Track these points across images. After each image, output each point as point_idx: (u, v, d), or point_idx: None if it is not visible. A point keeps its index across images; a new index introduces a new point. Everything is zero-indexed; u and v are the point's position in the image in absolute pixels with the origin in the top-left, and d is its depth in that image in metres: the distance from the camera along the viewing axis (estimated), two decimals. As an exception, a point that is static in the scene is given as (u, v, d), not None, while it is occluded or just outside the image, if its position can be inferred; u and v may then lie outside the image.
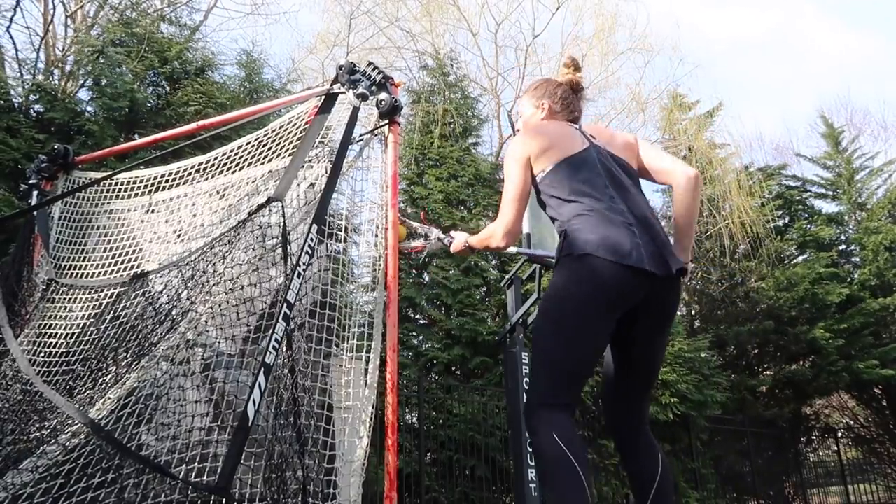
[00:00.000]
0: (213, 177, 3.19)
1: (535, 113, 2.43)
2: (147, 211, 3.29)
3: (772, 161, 15.47)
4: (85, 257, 3.30)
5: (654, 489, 2.00)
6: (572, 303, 1.95)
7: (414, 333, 8.53)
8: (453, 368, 8.47)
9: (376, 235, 2.93)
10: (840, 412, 14.38)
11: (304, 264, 2.25)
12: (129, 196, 3.39)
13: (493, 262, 9.24)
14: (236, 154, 3.17)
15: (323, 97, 2.90)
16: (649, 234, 2.01)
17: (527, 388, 2.02)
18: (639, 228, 2.01)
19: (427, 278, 8.84)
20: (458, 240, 2.79)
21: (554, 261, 2.11)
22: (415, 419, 7.05)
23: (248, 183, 3.06)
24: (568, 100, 2.42)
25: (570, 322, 1.94)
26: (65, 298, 3.07)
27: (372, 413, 2.66)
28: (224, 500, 2.05)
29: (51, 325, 3.00)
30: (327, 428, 2.54)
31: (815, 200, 13.70)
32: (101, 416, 2.60)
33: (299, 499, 2.32)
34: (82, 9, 7.90)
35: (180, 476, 2.13)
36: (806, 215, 13.23)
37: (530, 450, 4.62)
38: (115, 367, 2.69)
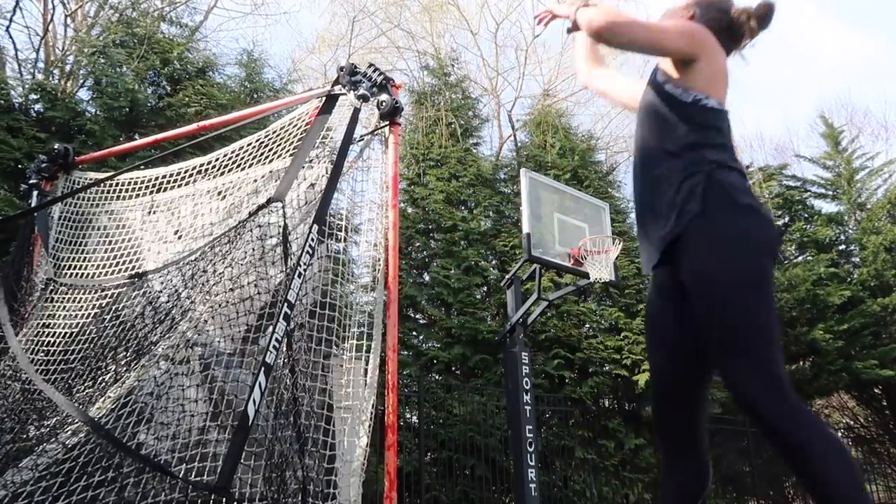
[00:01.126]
0: (213, 177, 3.19)
1: (681, 14, 1.94)
2: (148, 211, 3.30)
3: (772, 161, 15.49)
4: (85, 257, 3.30)
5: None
6: (765, 263, 1.63)
7: (414, 333, 8.54)
8: (453, 368, 8.48)
9: (376, 235, 2.94)
10: (840, 412, 14.38)
11: (304, 264, 2.26)
12: (130, 196, 3.40)
13: (493, 262, 9.24)
14: (237, 155, 3.17)
15: (324, 98, 2.91)
16: None
17: (746, 381, 1.57)
18: None
19: (428, 278, 8.85)
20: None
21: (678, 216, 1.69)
22: (415, 418, 7.06)
23: (248, 183, 3.07)
24: (736, 28, 1.93)
25: (769, 284, 1.63)
26: (64, 298, 3.08)
27: (372, 413, 2.67)
28: (224, 499, 2.06)
29: (50, 324, 3.00)
30: (327, 428, 2.54)
31: (814, 200, 13.69)
32: (100, 415, 2.60)
33: (299, 499, 2.32)
34: (82, 8, 7.91)
35: (180, 475, 2.14)
36: (806, 215, 13.22)
37: (530, 450, 4.62)
38: (114, 366, 2.70)
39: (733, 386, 1.60)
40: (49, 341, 2.92)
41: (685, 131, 1.76)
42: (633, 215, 13.10)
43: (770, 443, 1.54)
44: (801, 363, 11.81)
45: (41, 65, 6.82)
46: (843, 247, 13.02)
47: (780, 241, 1.56)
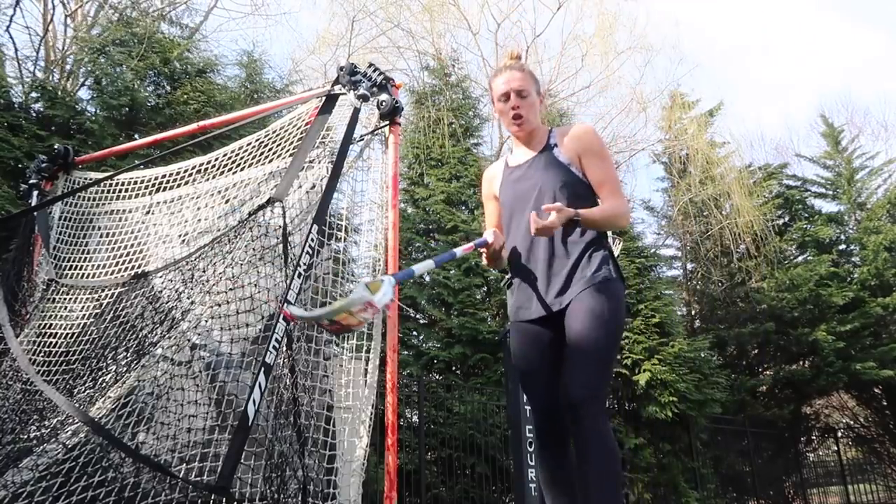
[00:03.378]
0: (213, 177, 3.19)
1: (538, 101, 2.39)
2: (148, 211, 3.30)
3: (772, 160, 15.49)
4: (85, 257, 3.30)
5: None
6: (624, 318, 2.26)
7: (415, 333, 8.54)
8: (454, 368, 8.48)
9: (376, 236, 2.94)
10: (840, 412, 14.39)
11: (304, 265, 2.26)
12: (130, 196, 3.39)
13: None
14: (237, 155, 3.17)
15: (324, 98, 2.91)
16: None
17: (586, 391, 2.05)
18: None
19: (428, 278, 8.85)
20: (556, 215, 2.15)
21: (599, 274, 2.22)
22: (415, 417, 7.07)
23: (249, 183, 3.07)
24: None
25: (620, 338, 2.29)
26: (65, 298, 3.08)
27: (372, 413, 2.67)
28: (224, 499, 2.06)
29: (51, 324, 3.00)
30: (327, 428, 2.54)
31: (815, 200, 13.71)
32: (101, 415, 2.60)
33: (299, 499, 2.32)
34: (82, 8, 7.91)
35: (180, 475, 2.14)
36: (806, 215, 13.23)
37: (530, 449, 4.62)
38: (115, 367, 2.70)
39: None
40: (50, 342, 2.92)
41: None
42: (633, 214, 13.09)
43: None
44: (802, 363, 11.82)
45: (41, 64, 6.82)
46: (843, 246, 13.02)
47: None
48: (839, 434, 13.42)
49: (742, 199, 11.59)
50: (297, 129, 3.01)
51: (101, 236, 3.34)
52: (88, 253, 3.31)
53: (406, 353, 8.09)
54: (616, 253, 2.40)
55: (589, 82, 13.18)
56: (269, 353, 2.03)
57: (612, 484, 1.97)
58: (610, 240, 2.43)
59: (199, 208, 3.13)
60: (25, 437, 2.62)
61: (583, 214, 2.19)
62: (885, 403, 12.52)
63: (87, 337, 2.83)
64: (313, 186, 2.78)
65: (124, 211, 3.37)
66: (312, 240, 2.33)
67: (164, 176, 3.34)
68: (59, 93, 5.98)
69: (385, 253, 2.87)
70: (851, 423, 13.95)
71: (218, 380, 2.57)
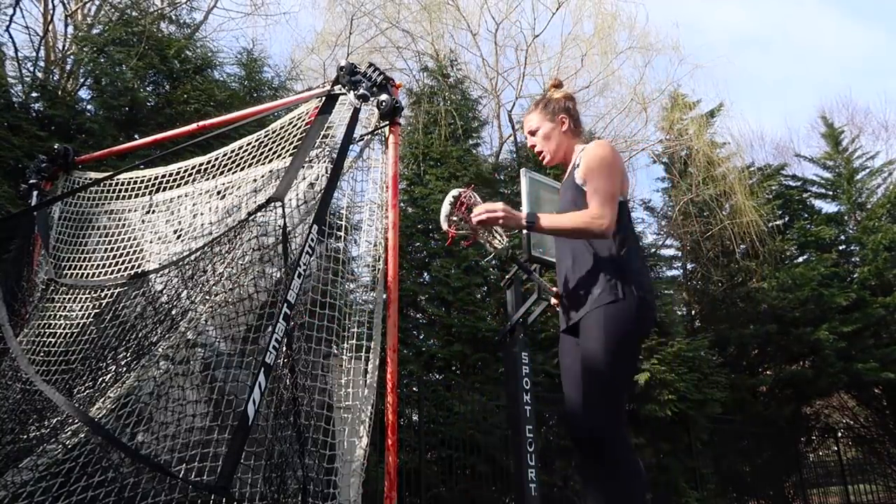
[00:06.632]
0: (213, 177, 3.19)
1: (555, 127, 2.52)
2: (147, 211, 3.29)
3: (772, 161, 15.49)
4: (85, 257, 3.30)
5: None
6: (637, 339, 2.30)
7: (415, 332, 8.54)
8: (453, 367, 8.48)
9: (376, 235, 2.94)
10: (840, 412, 14.38)
11: (304, 264, 2.26)
12: (130, 196, 3.39)
13: (494, 262, 9.23)
14: (237, 154, 3.17)
15: (324, 98, 2.91)
16: None
17: (587, 432, 2.21)
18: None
19: (428, 277, 8.85)
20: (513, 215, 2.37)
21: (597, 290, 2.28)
22: (415, 416, 7.06)
23: (248, 183, 3.07)
24: (578, 112, 2.57)
25: (635, 355, 2.37)
26: (64, 298, 3.07)
27: (372, 413, 2.67)
28: (224, 499, 2.05)
29: (50, 324, 3.00)
30: (327, 428, 2.54)
31: (815, 200, 13.70)
32: (100, 415, 2.60)
33: (299, 499, 2.32)
34: (82, 8, 7.90)
35: (180, 475, 2.14)
36: (806, 215, 13.22)
37: (530, 449, 4.62)
38: (114, 367, 2.70)
39: None
40: (49, 342, 2.92)
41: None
42: (633, 214, 13.08)
43: None
44: (802, 363, 11.80)
45: (41, 64, 6.81)
46: (843, 246, 13.02)
47: None
48: (839, 434, 13.41)
49: (743, 199, 11.58)
50: (297, 128, 3.00)
51: (100, 236, 3.34)
52: (88, 253, 3.31)
53: (406, 350, 8.09)
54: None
55: (589, 82, 13.18)
56: (269, 352, 2.03)
57: None
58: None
59: (196, 205, 3.13)
60: (25, 437, 2.61)
61: (540, 220, 2.33)
62: (885, 404, 12.51)
63: (86, 337, 2.83)
64: (313, 186, 2.78)
65: (124, 211, 3.36)
66: (312, 240, 2.32)
67: (163, 176, 3.34)
68: (59, 93, 5.98)
69: (385, 252, 2.87)
70: (851, 423, 13.94)
71: (218, 380, 2.57)
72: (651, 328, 2.37)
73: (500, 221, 2.34)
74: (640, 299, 2.22)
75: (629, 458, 2.13)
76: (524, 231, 4.81)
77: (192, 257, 2.64)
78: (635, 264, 2.30)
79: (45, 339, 2.94)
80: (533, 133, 2.55)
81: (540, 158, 2.57)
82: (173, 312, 2.66)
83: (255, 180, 3.04)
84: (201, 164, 3.25)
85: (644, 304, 2.23)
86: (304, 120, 2.99)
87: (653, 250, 12.30)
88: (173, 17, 7.80)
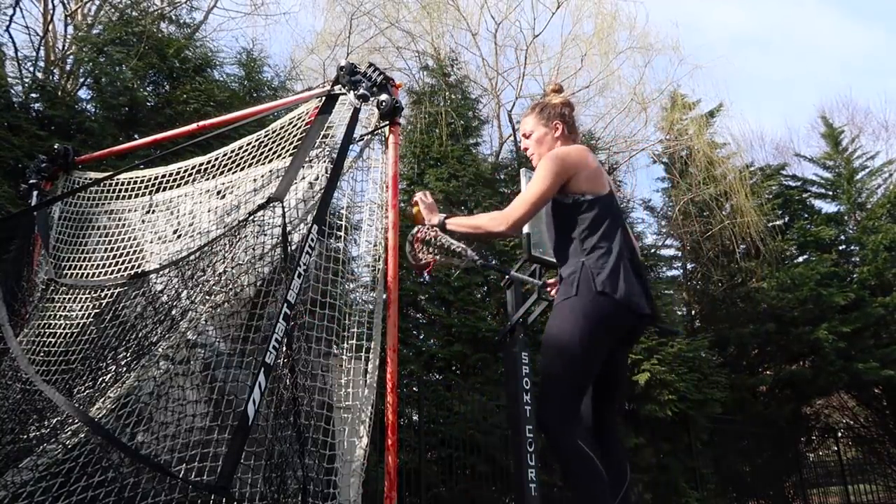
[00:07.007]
0: (213, 177, 3.19)
1: (548, 132, 2.53)
2: (147, 211, 3.29)
3: (772, 161, 15.48)
4: (85, 257, 3.30)
5: (621, 494, 2.21)
6: (589, 335, 2.19)
7: (415, 332, 8.54)
8: (453, 367, 8.48)
9: (376, 235, 2.94)
10: (840, 412, 14.38)
11: (304, 264, 2.26)
12: (130, 196, 3.39)
13: (494, 262, 9.24)
14: (237, 154, 3.17)
15: (324, 98, 2.90)
16: (644, 279, 2.32)
17: (540, 423, 2.26)
18: (639, 273, 2.30)
19: (428, 277, 8.84)
20: (434, 217, 2.59)
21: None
22: (415, 416, 7.06)
23: (248, 183, 3.07)
24: (573, 119, 2.58)
25: (588, 352, 2.20)
26: (64, 298, 3.07)
27: (372, 413, 2.67)
28: (224, 499, 2.06)
29: (50, 324, 3.00)
30: (327, 428, 2.54)
31: (815, 200, 13.70)
32: (100, 416, 2.60)
33: (299, 499, 2.32)
34: (82, 8, 7.90)
35: (180, 475, 2.14)
36: (806, 215, 13.22)
37: (530, 449, 4.62)
38: (114, 367, 2.70)
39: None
40: (49, 342, 2.92)
41: None
42: (633, 214, 13.06)
43: None
44: (802, 363, 11.80)
45: (41, 64, 6.81)
46: (842, 246, 13.01)
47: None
48: (839, 434, 13.41)
49: (743, 199, 11.58)
50: (297, 128, 3.00)
51: (100, 236, 3.34)
52: (88, 253, 3.31)
53: (406, 350, 8.09)
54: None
55: (589, 82, 13.16)
56: (269, 353, 2.03)
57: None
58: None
59: (196, 204, 3.13)
60: (25, 437, 2.61)
61: (447, 223, 2.43)
62: (885, 404, 12.51)
63: (86, 337, 2.83)
64: (313, 186, 2.78)
65: (124, 211, 3.36)
66: (312, 239, 2.32)
67: (163, 176, 3.34)
68: (59, 93, 5.98)
69: (385, 252, 2.87)
70: (851, 423, 13.95)
71: (218, 380, 2.57)
72: (622, 324, 2.24)
73: (425, 220, 2.46)
74: (600, 295, 2.18)
75: (579, 455, 2.08)
76: (524, 231, 4.81)
77: (192, 257, 2.64)
78: (601, 261, 2.24)
79: (45, 339, 2.94)
80: (527, 136, 2.60)
81: (532, 161, 2.61)
82: (173, 312, 2.66)
83: (254, 180, 3.04)
84: (201, 164, 3.25)
85: (605, 302, 2.17)
86: (304, 120, 2.99)
87: (653, 250, 12.28)
88: (173, 16, 7.80)
